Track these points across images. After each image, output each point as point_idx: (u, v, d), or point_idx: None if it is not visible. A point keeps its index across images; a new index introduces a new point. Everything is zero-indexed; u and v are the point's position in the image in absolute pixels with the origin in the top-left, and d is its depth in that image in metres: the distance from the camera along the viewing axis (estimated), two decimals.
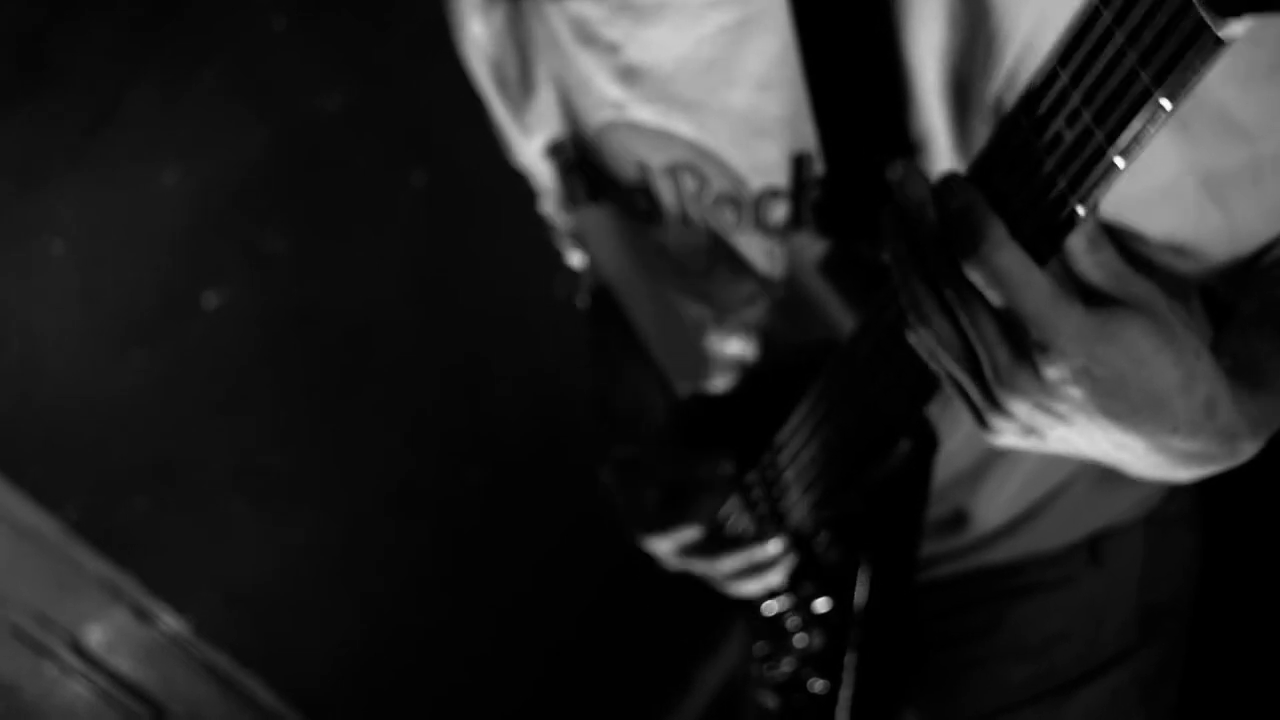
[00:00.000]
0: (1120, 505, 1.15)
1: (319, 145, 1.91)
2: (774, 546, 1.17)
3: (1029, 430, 0.70)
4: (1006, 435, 0.72)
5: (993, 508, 1.13)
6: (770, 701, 1.26)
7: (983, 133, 0.85)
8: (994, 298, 0.63)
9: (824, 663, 1.14)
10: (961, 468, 1.09)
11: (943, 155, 0.87)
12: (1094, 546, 1.16)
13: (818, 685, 1.15)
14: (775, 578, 1.19)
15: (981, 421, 0.71)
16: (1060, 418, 0.67)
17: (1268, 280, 0.81)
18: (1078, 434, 0.69)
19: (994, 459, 1.08)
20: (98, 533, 1.82)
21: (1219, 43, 0.51)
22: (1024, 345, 0.64)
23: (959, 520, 1.14)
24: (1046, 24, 0.78)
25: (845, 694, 1.10)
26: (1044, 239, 0.63)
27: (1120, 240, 0.84)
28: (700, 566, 1.22)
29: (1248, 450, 0.73)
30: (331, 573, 2.04)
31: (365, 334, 2.02)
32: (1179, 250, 0.84)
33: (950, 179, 0.65)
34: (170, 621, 1.89)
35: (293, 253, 1.92)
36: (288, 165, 1.89)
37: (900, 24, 0.84)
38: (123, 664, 1.85)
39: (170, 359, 1.85)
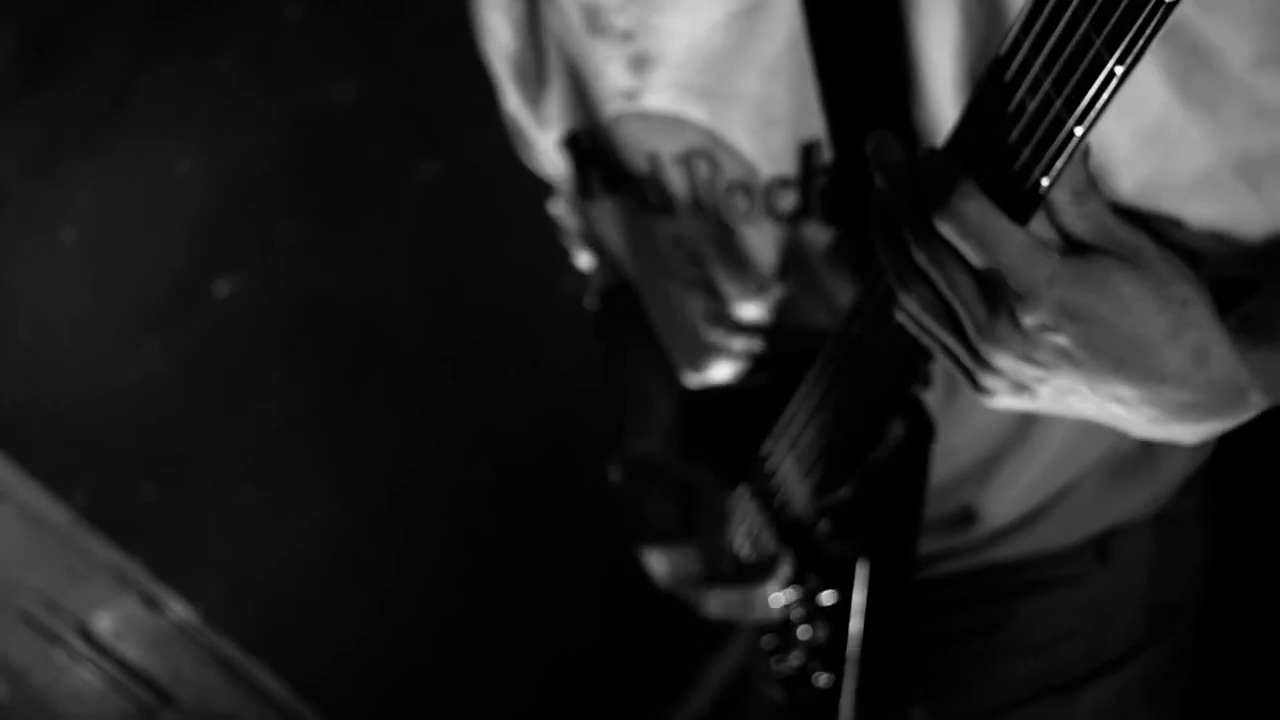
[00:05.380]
0: (1130, 503, 1.14)
1: (331, 135, 1.91)
2: (771, 586, 1.19)
3: (1020, 387, 0.71)
4: (1000, 396, 0.72)
5: (1001, 504, 1.12)
6: (777, 695, 1.26)
7: None
8: (966, 250, 0.64)
9: (828, 656, 1.14)
10: (970, 464, 1.08)
11: None
12: (1103, 544, 1.15)
13: (822, 679, 1.15)
14: (764, 610, 1.21)
15: (973, 382, 0.72)
16: (1046, 367, 0.68)
17: None
18: (1067, 386, 0.69)
19: (1003, 455, 1.08)
20: (107, 520, 1.82)
21: (1164, 6, 0.52)
22: (1001, 297, 0.65)
23: (967, 517, 1.13)
24: None
25: (848, 687, 1.10)
26: (1013, 211, 0.64)
27: (1158, 228, 0.84)
28: (690, 594, 1.26)
29: (1256, 402, 0.72)
30: (340, 562, 2.04)
31: (375, 326, 2.02)
32: (1218, 237, 0.84)
33: (923, 149, 0.67)
34: (179, 609, 1.90)
35: (304, 242, 1.92)
36: (300, 155, 1.89)
37: (911, 14, 0.84)
38: (131, 651, 1.86)
39: (180, 347, 1.86)
